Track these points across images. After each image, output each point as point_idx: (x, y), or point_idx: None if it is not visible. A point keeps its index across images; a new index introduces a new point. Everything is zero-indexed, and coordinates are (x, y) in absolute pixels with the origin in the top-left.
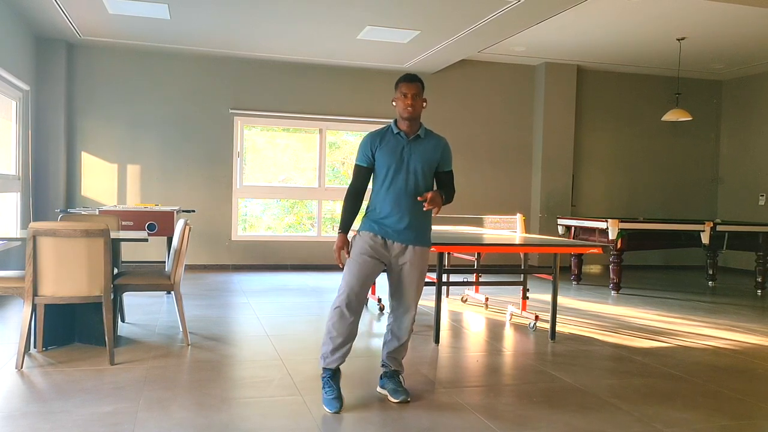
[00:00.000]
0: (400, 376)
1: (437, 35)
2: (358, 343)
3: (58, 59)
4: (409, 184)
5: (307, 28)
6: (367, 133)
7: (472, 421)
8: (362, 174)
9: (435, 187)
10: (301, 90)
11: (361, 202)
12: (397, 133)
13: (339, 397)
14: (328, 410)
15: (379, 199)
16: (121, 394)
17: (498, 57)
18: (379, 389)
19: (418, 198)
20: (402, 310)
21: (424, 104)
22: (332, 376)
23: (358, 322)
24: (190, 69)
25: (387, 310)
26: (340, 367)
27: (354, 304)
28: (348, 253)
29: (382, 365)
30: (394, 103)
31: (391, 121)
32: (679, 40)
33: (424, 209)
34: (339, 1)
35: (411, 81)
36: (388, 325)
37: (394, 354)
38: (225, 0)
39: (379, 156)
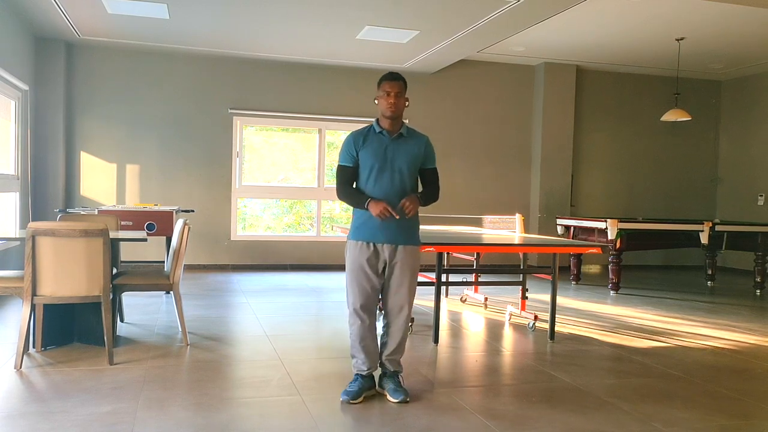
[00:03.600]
0: (400, 376)
1: (436, 35)
2: None
3: (57, 59)
4: (394, 182)
5: (307, 28)
6: (349, 132)
7: (471, 421)
8: (347, 173)
9: (419, 185)
10: (300, 90)
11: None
12: (380, 132)
13: (358, 393)
14: (341, 397)
15: None
16: (120, 394)
17: (497, 57)
18: (377, 389)
19: (396, 216)
20: (395, 311)
21: (407, 103)
22: (365, 375)
23: (375, 324)
24: (189, 69)
25: None
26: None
27: (364, 314)
28: (386, 209)
29: (380, 365)
30: (376, 102)
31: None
32: (678, 40)
33: (408, 216)
34: (338, 1)
35: (394, 79)
36: (383, 326)
37: (392, 356)
38: (224, 0)
39: (362, 155)
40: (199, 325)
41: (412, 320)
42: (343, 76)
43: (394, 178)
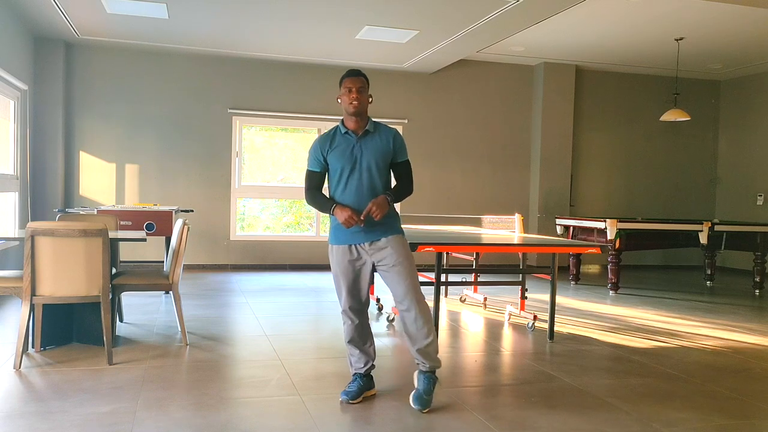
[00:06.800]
0: (433, 378)
1: (436, 35)
2: None
3: (56, 59)
4: (363, 182)
5: (306, 28)
6: (316, 137)
7: (470, 421)
8: (316, 178)
9: (393, 181)
10: (299, 90)
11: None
12: (345, 132)
13: (358, 393)
14: (341, 397)
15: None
16: (119, 394)
17: (497, 57)
18: (414, 378)
19: (362, 218)
20: (402, 301)
21: (370, 99)
22: (363, 375)
23: (366, 323)
24: (188, 68)
25: (386, 310)
26: (375, 363)
27: (353, 311)
28: (355, 215)
29: (417, 362)
30: (339, 101)
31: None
32: (677, 40)
33: (376, 219)
34: (338, 1)
35: (355, 75)
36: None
37: (421, 348)
38: (223, 0)
39: (331, 159)
40: (198, 325)
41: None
42: None
43: (363, 177)
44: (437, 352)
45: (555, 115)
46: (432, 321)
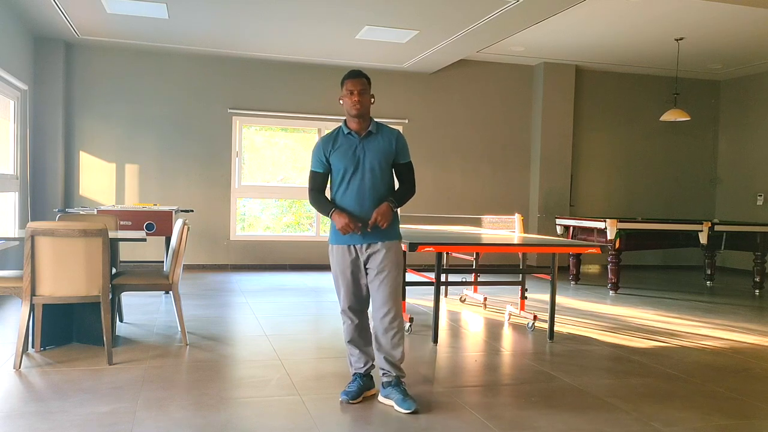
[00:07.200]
0: (403, 383)
1: (436, 35)
2: None
3: (56, 58)
4: (366, 183)
5: (306, 28)
6: (319, 138)
7: (470, 421)
8: (319, 179)
9: (395, 182)
10: (299, 90)
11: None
12: (348, 133)
13: (357, 393)
14: (341, 397)
15: (339, 203)
16: (119, 394)
17: (497, 57)
18: (380, 400)
19: (368, 228)
20: (378, 308)
21: (372, 100)
22: (363, 375)
23: (366, 323)
24: (188, 68)
25: None
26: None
27: (353, 311)
28: (352, 223)
29: (382, 374)
30: (341, 102)
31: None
32: (677, 40)
33: (382, 228)
34: (337, 1)
35: (356, 77)
36: (373, 327)
37: (388, 357)
38: (223, 0)
39: (334, 159)
40: (198, 325)
41: (411, 320)
42: (342, 76)
43: (366, 178)
44: (403, 361)
45: (555, 115)
46: (404, 332)
